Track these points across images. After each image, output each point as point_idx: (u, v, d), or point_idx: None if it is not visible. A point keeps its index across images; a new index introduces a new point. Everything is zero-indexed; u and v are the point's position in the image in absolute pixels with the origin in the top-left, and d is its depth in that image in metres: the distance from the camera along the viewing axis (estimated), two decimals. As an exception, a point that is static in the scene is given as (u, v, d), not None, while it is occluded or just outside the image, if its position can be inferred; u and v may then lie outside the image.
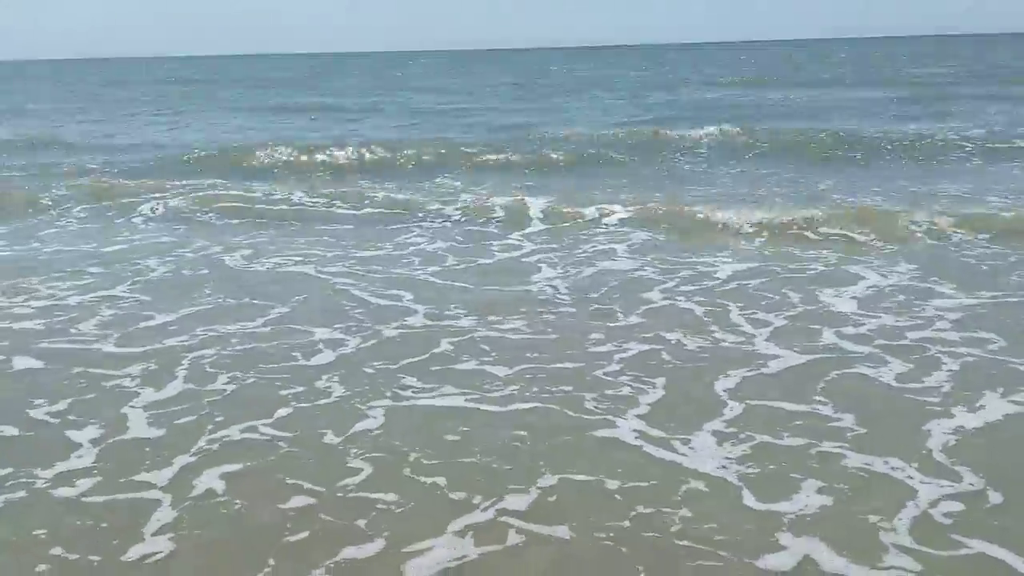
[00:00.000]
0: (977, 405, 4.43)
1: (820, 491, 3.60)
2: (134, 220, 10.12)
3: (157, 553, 3.23)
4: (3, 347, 5.53)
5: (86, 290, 6.89)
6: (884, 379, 4.80)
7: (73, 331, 5.85)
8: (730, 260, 7.64)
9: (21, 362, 5.26)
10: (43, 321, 6.07)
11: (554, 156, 14.79)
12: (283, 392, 4.74)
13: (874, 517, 3.39)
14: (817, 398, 4.54)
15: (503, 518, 3.44)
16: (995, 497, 3.54)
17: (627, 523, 3.40)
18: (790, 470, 3.79)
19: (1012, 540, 3.23)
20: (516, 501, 3.56)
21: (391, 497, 3.61)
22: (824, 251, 7.89)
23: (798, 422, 4.26)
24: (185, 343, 5.55)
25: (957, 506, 3.47)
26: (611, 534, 3.33)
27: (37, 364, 5.23)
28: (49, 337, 5.73)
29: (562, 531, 3.36)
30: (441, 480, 3.75)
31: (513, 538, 3.30)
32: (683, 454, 3.95)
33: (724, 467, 3.81)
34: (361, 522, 3.42)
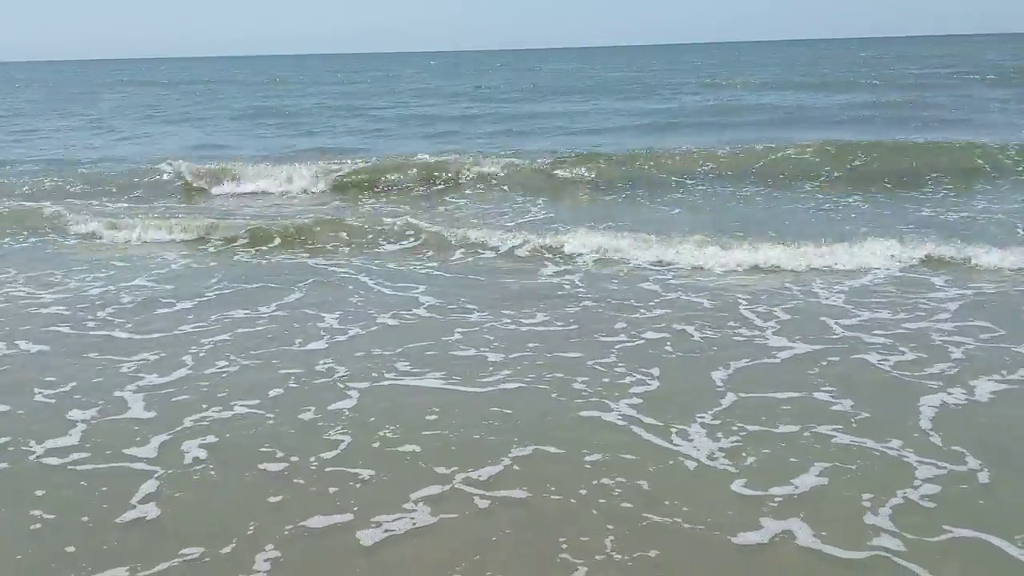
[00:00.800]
0: (974, 389, 4.39)
1: (812, 472, 3.58)
2: (149, 219, 10.29)
3: (144, 517, 3.35)
4: (24, 331, 5.75)
5: (109, 281, 7.12)
6: (883, 366, 4.75)
7: (91, 318, 6.04)
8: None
9: (36, 347, 5.45)
10: (65, 309, 6.29)
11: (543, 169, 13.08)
12: (282, 372, 4.86)
13: (867, 495, 3.37)
14: (815, 385, 4.51)
15: (469, 487, 3.49)
16: (983, 477, 3.49)
17: (595, 491, 3.42)
18: (785, 452, 3.76)
19: (1001, 521, 3.18)
20: (488, 471, 3.61)
21: (365, 469, 3.68)
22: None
23: (789, 408, 4.23)
24: (198, 329, 5.70)
25: (948, 488, 3.42)
26: (576, 499, 3.37)
27: (51, 348, 5.42)
28: (68, 323, 5.92)
29: (527, 495, 3.40)
30: (416, 450, 3.82)
31: (479, 503, 3.36)
32: (672, 437, 3.94)
33: (713, 454, 3.77)
34: (333, 490, 3.51)
